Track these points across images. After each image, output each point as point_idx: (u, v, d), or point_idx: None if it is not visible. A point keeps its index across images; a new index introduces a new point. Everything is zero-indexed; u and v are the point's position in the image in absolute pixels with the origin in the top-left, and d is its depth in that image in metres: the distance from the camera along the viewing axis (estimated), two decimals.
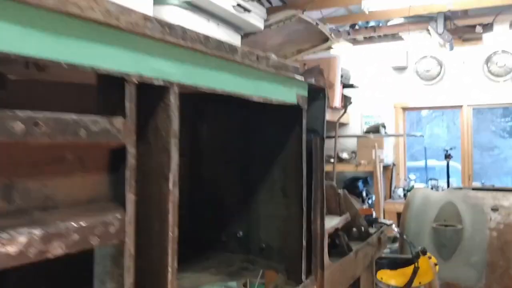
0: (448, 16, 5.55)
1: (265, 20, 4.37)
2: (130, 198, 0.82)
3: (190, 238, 1.81)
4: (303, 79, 1.39)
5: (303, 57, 5.44)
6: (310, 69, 1.55)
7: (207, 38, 0.99)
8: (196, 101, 1.78)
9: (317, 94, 1.53)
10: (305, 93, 1.44)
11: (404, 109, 7.14)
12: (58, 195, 0.76)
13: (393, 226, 2.36)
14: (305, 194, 1.46)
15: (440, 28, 5.60)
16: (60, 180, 0.77)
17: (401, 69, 6.96)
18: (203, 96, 1.54)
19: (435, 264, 2.37)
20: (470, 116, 6.73)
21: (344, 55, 6.62)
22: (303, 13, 4.58)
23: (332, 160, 6.22)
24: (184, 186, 1.86)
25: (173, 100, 0.90)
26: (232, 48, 1.07)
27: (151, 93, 0.90)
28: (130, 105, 0.81)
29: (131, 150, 0.82)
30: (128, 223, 0.81)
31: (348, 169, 6.87)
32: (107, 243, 0.78)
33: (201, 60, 0.99)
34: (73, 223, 0.72)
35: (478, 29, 5.82)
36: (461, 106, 6.69)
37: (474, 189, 4.17)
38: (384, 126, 6.76)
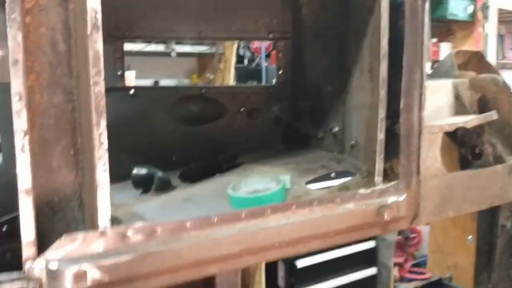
0: None
1: None
2: (14, 34, 0.69)
3: (289, 133, 1.61)
4: None
5: None
6: None
7: None
8: None
9: None
10: None
11: None
12: None
13: None
14: (385, 72, 1.10)
15: None
16: None
17: None
18: None
19: None
20: None
21: None
22: None
23: None
24: (287, 76, 1.64)
25: None
26: None
27: None
28: None
29: None
30: (13, 64, 0.69)
31: None
32: None
33: None
34: None
35: None
36: None
37: None
38: None
